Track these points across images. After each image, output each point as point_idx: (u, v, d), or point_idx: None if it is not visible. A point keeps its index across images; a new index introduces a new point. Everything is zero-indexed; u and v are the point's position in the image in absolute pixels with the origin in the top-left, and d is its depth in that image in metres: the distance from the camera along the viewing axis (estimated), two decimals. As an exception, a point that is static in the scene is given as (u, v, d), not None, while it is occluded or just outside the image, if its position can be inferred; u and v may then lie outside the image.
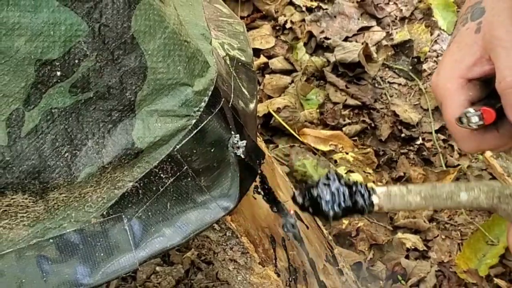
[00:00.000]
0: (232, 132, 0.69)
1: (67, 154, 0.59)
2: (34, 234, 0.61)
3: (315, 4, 1.43)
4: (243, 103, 0.73)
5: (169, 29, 0.61)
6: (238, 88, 0.73)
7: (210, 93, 0.66)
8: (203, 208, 0.68)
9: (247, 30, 1.34)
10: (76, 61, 0.57)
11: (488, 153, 1.24)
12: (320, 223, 1.07)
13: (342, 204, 0.59)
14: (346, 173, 1.23)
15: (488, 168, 1.21)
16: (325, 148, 1.26)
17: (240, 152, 0.69)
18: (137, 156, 0.63)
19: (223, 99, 0.68)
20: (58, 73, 0.56)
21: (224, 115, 0.68)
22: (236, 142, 0.69)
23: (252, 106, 0.75)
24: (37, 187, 0.59)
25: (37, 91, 0.57)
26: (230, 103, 0.70)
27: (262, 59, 1.38)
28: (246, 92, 0.75)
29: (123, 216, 0.65)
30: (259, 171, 0.74)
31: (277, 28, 1.42)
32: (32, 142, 0.58)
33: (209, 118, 0.66)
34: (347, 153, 1.26)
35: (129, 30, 0.58)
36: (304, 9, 1.42)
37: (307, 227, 1.00)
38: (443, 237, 1.16)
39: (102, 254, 0.63)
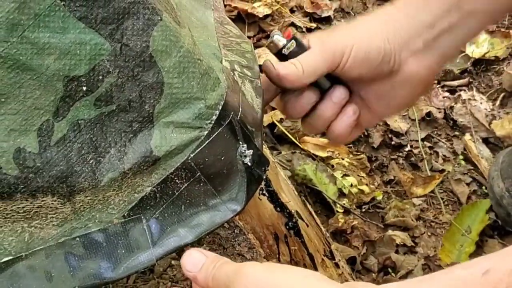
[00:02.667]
0: (240, 142, 0.69)
1: (92, 160, 0.59)
2: (62, 233, 0.61)
3: (314, 25, 1.42)
4: (250, 116, 0.73)
5: (183, 48, 0.61)
6: (246, 102, 0.73)
7: (220, 107, 0.66)
8: (214, 210, 0.67)
9: (254, 49, 1.34)
10: (100, 77, 0.57)
11: (468, 136, 1.24)
12: (319, 221, 1.07)
13: None
14: (342, 176, 1.22)
15: (469, 172, 1.21)
16: (323, 154, 1.25)
17: (247, 160, 0.69)
18: (155, 163, 0.63)
19: (232, 113, 0.67)
20: (84, 88, 0.56)
21: (233, 127, 0.67)
22: (243, 151, 0.69)
23: (258, 118, 0.75)
24: (64, 190, 0.59)
25: (65, 104, 0.56)
26: (238, 116, 0.69)
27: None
28: (253, 106, 0.74)
29: (142, 217, 0.64)
30: (265, 177, 0.74)
31: None
32: (60, 150, 0.57)
33: (219, 130, 0.66)
34: (343, 159, 1.26)
35: (148, 49, 0.58)
36: (304, 29, 1.42)
37: (307, 225, 0.99)
38: (429, 234, 1.15)
39: (123, 251, 0.63)
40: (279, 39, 0.77)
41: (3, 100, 0.54)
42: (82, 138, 0.58)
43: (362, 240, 1.15)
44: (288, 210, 0.94)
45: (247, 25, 1.42)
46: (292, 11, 1.46)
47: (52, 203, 0.59)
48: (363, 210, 1.20)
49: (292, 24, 1.43)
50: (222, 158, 0.67)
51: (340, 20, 1.45)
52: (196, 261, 0.61)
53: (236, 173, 0.69)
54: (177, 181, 0.65)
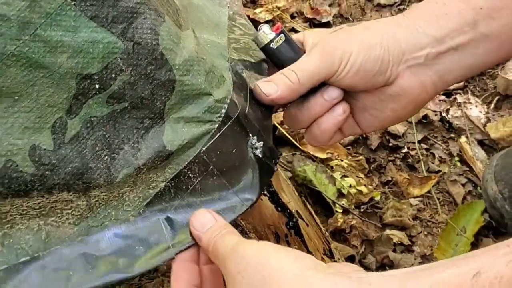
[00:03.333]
0: (250, 135, 0.68)
1: (106, 157, 0.59)
2: (79, 232, 0.60)
3: None
4: (258, 111, 0.72)
5: (186, 48, 0.61)
6: (253, 97, 0.72)
7: (228, 101, 0.65)
8: (228, 203, 0.66)
9: None
10: (113, 75, 0.56)
11: (463, 139, 1.23)
12: (318, 221, 1.07)
13: None
14: (341, 177, 1.22)
15: (464, 173, 1.21)
16: (323, 156, 1.25)
17: (258, 152, 0.68)
18: (168, 158, 0.62)
19: (240, 107, 0.67)
20: (97, 86, 0.56)
21: (241, 121, 0.67)
22: (254, 143, 0.68)
23: (267, 114, 0.74)
24: (80, 187, 0.58)
25: (78, 102, 0.56)
26: (247, 110, 0.69)
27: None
28: (259, 103, 0.73)
29: (158, 213, 0.63)
30: (275, 169, 0.72)
31: None
32: (74, 147, 0.57)
33: (229, 123, 0.65)
34: (342, 160, 1.25)
35: (158, 47, 0.58)
36: None
37: (307, 225, 0.99)
38: (425, 233, 1.15)
39: (140, 248, 0.61)
40: (268, 33, 0.73)
41: (16, 98, 0.53)
42: (95, 135, 0.58)
43: (360, 239, 1.15)
44: (288, 210, 0.94)
45: None
46: (292, 16, 1.46)
47: (68, 197, 0.58)
48: (362, 210, 1.19)
49: (293, 30, 1.43)
50: (234, 151, 0.67)
51: (339, 25, 1.43)
52: (204, 222, 0.61)
53: (248, 165, 0.68)
54: (190, 175, 0.65)
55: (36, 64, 0.53)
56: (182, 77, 0.61)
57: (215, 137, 0.65)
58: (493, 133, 1.23)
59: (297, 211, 0.98)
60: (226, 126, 0.65)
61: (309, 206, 1.09)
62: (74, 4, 0.53)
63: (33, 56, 0.52)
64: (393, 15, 1.40)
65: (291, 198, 0.99)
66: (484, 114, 1.29)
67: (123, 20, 0.56)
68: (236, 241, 0.55)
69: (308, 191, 1.19)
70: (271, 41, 0.73)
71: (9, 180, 0.54)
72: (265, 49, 0.74)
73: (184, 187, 0.65)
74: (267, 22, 1.42)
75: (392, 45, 0.69)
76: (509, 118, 1.26)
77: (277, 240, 0.90)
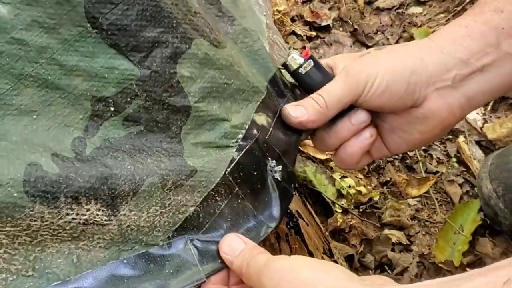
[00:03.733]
0: (269, 159, 0.68)
1: (129, 166, 0.59)
2: (110, 256, 0.60)
3: (314, 33, 1.43)
4: (282, 134, 0.72)
5: (208, 74, 0.62)
6: (280, 120, 0.72)
7: (247, 126, 0.66)
8: (253, 226, 0.67)
9: None
10: (128, 99, 0.58)
11: (461, 138, 1.24)
12: (318, 221, 1.08)
13: None
14: (340, 178, 1.23)
15: (461, 174, 1.22)
16: (322, 157, 1.26)
17: (277, 175, 0.69)
18: (193, 175, 0.62)
19: (259, 132, 0.68)
20: (112, 109, 0.57)
21: (260, 145, 0.67)
22: (273, 166, 0.68)
23: (292, 138, 0.74)
24: (106, 193, 0.58)
25: (94, 123, 0.57)
26: (268, 135, 0.69)
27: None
28: (283, 130, 0.73)
29: (186, 238, 0.63)
30: (293, 193, 0.72)
31: None
32: (96, 156, 0.58)
33: (248, 146, 0.66)
34: None
35: (175, 75, 0.59)
36: (304, 37, 1.42)
37: (307, 225, 1.00)
38: (424, 233, 1.16)
39: (171, 271, 0.62)
40: (297, 58, 0.73)
41: (34, 117, 0.55)
42: (115, 150, 0.59)
43: (359, 239, 1.15)
44: (289, 210, 0.94)
45: None
46: (293, 20, 1.46)
47: (97, 215, 0.58)
48: (361, 210, 1.20)
49: (293, 33, 1.43)
50: (255, 173, 0.67)
51: (338, 28, 1.45)
52: (235, 246, 0.62)
53: (268, 188, 0.69)
54: (217, 198, 0.65)
55: (52, 86, 0.54)
56: (197, 104, 0.62)
57: (237, 159, 0.65)
58: (490, 134, 1.24)
59: (297, 211, 0.99)
60: (245, 149, 0.66)
61: (309, 206, 1.10)
62: (95, 32, 0.54)
63: (49, 78, 0.54)
64: (391, 19, 1.43)
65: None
66: (481, 116, 1.29)
67: (143, 49, 0.57)
68: (268, 258, 0.56)
69: (308, 192, 1.19)
70: (300, 66, 0.73)
71: (35, 178, 0.53)
72: (295, 74, 0.74)
73: (212, 211, 0.65)
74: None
75: (419, 67, 0.69)
76: (505, 119, 1.26)
77: (278, 240, 0.90)
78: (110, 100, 0.57)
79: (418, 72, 0.69)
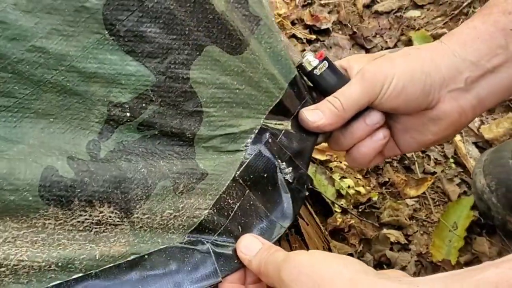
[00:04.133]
0: (279, 161, 0.69)
1: (143, 169, 0.60)
2: (132, 251, 0.61)
3: (314, 36, 1.43)
4: (295, 137, 0.73)
5: (219, 80, 0.63)
6: (295, 123, 0.73)
7: (256, 131, 0.67)
8: (267, 226, 0.68)
9: None
10: (144, 104, 0.59)
11: (458, 137, 1.25)
12: (318, 221, 1.09)
13: None
14: (340, 178, 1.23)
15: (458, 174, 1.22)
16: (322, 157, 1.26)
17: (288, 177, 0.70)
18: (204, 178, 0.64)
19: (270, 136, 0.69)
20: (128, 114, 0.58)
21: (271, 147, 0.69)
22: (283, 168, 0.70)
23: (308, 140, 0.74)
24: (119, 197, 0.59)
25: (110, 127, 0.59)
26: (278, 138, 0.70)
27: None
28: (298, 133, 0.74)
29: (202, 239, 0.65)
30: (306, 194, 0.73)
31: None
32: (110, 160, 0.59)
33: (257, 150, 0.67)
34: (340, 162, 1.27)
35: (188, 81, 0.60)
36: (304, 40, 1.43)
37: (307, 224, 1.01)
38: (421, 232, 1.16)
39: (189, 269, 0.63)
40: (311, 60, 0.74)
41: (51, 120, 0.56)
42: (129, 153, 0.60)
43: (358, 238, 1.16)
44: None
45: None
46: (293, 23, 1.47)
47: (110, 217, 0.59)
48: (360, 210, 1.20)
49: (293, 36, 1.43)
50: (265, 175, 0.68)
51: (338, 32, 1.46)
52: (252, 246, 0.63)
53: (280, 189, 0.70)
54: (229, 200, 0.66)
55: (70, 92, 0.55)
56: (209, 109, 0.63)
57: (246, 162, 0.67)
58: (487, 134, 1.24)
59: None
60: (255, 152, 0.67)
61: (309, 206, 1.10)
62: (113, 39, 0.55)
63: (68, 84, 0.55)
64: (390, 22, 1.44)
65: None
66: (478, 117, 1.29)
67: (158, 55, 0.58)
68: (286, 254, 0.58)
69: (308, 192, 1.20)
70: (315, 67, 0.74)
71: (50, 183, 0.55)
72: (310, 75, 0.75)
73: (225, 214, 0.66)
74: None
75: (434, 70, 0.70)
76: (501, 119, 1.27)
77: (279, 239, 0.91)
78: (126, 106, 0.58)
79: (432, 75, 0.70)
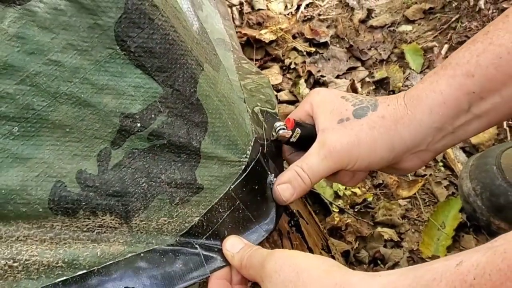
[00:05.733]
0: (269, 173, 0.70)
1: (144, 184, 0.60)
2: (129, 250, 0.62)
3: (313, 49, 1.42)
4: (273, 148, 0.74)
5: (220, 94, 0.63)
6: (268, 136, 0.74)
7: (252, 142, 0.67)
8: (251, 232, 0.69)
9: (261, 69, 1.35)
10: (153, 115, 0.58)
11: None
12: (317, 220, 1.07)
13: None
14: None
15: (447, 177, 1.21)
16: None
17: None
18: (199, 192, 0.64)
19: (260, 147, 0.69)
20: (138, 124, 0.58)
21: (261, 161, 0.69)
22: (272, 180, 0.70)
23: (280, 149, 0.76)
24: (120, 208, 0.60)
25: (121, 136, 0.58)
26: (265, 150, 0.70)
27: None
28: (274, 138, 0.74)
29: (192, 240, 0.66)
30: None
31: (284, 68, 1.40)
32: (116, 173, 0.59)
33: (252, 164, 0.67)
34: None
35: (195, 93, 0.60)
36: (304, 53, 1.42)
37: (307, 223, 1.00)
38: (413, 230, 1.16)
39: (180, 266, 0.64)
40: (286, 133, 0.73)
41: (67, 130, 0.55)
42: (136, 164, 0.60)
43: (355, 236, 1.15)
44: (290, 210, 0.94)
45: (255, 49, 1.43)
46: (294, 37, 1.46)
47: (111, 222, 0.60)
48: (356, 210, 1.20)
49: (294, 49, 1.43)
50: (256, 187, 0.69)
51: (335, 45, 1.45)
52: (235, 244, 0.66)
53: (267, 199, 0.71)
54: (220, 210, 0.67)
55: (85, 103, 0.55)
56: (214, 120, 0.62)
57: (242, 177, 0.67)
58: (474, 139, 1.23)
59: (298, 211, 0.98)
60: (251, 166, 0.67)
61: (308, 207, 1.09)
62: (124, 54, 0.55)
63: (82, 96, 0.54)
64: (384, 36, 1.43)
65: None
66: None
67: (166, 69, 0.57)
68: (270, 250, 0.61)
69: (308, 193, 1.17)
70: (291, 137, 0.74)
71: (58, 198, 0.56)
72: (287, 143, 0.76)
73: (215, 220, 0.67)
74: (272, 42, 1.43)
75: (398, 143, 0.70)
76: None
77: (280, 237, 0.89)
78: (137, 116, 0.58)
79: (396, 147, 0.71)
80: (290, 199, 0.71)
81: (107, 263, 0.61)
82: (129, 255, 0.62)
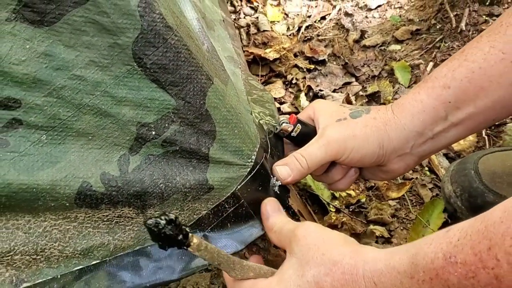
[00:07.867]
0: (272, 176, 0.70)
1: (161, 185, 0.60)
2: (137, 243, 0.63)
3: (312, 66, 1.42)
4: (275, 156, 0.74)
5: (228, 105, 0.63)
6: (272, 144, 0.74)
7: (257, 149, 0.67)
8: (252, 227, 0.69)
9: (266, 84, 1.35)
10: (166, 124, 0.58)
11: None
12: (316, 218, 1.08)
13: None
14: None
15: (432, 180, 1.21)
16: None
17: (276, 189, 0.71)
18: (210, 192, 0.64)
19: (264, 154, 0.69)
20: (153, 133, 0.58)
21: (265, 165, 0.69)
22: (274, 182, 0.71)
23: (281, 158, 0.75)
24: (138, 204, 0.60)
25: (138, 143, 0.58)
26: (269, 155, 0.71)
27: (276, 105, 1.36)
28: (277, 148, 0.76)
29: (198, 231, 0.66)
30: (288, 203, 0.75)
31: (286, 83, 1.40)
32: (136, 175, 0.59)
33: (257, 167, 0.67)
34: None
35: (204, 105, 0.60)
36: (305, 69, 1.41)
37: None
38: (401, 228, 1.15)
39: (184, 257, 0.64)
40: (288, 126, 0.75)
41: (90, 138, 0.56)
42: (152, 168, 0.60)
43: (349, 233, 1.13)
44: (292, 210, 0.92)
45: (261, 66, 1.42)
46: (295, 55, 1.46)
47: (128, 213, 0.61)
48: (351, 209, 1.19)
49: (296, 66, 1.42)
50: (260, 189, 0.69)
51: (332, 62, 1.44)
52: (275, 208, 0.68)
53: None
54: (226, 206, 0.67)
55: (105, 113, 0.55)
56: (221, 129, 0.62)
57: (247, 179, 0.67)
58: (456, 146, 1.23)
59: (299, 210, 0.99)
60: (255, 170, 0.67)
61: (308, 207, 1.10)
62: (140, 70, 0.55)
63: (103, 107, 0.55)
64: (375, 54, 1.43)
65: (294, 200, 1.01)
66: None
67: (179, 84, 0.58)
68: (299, 222, 0.64)
69: (308, 195, 1.19)
70: (292, 131, 0.76)
71: (84, 196, 0.57)
72: (288, 137, 0.77)
73: (220, 214, 0.67)
74: (275, 59, 1.43)
75: (387, 142, 0.73)
76: None
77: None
78: (152, 125, 0.58)
79: (385, 145, 0.73)
80: (287, 178, 0.72)
81: (118, 255, 0.62)
82: (138, 247, 0.63)
